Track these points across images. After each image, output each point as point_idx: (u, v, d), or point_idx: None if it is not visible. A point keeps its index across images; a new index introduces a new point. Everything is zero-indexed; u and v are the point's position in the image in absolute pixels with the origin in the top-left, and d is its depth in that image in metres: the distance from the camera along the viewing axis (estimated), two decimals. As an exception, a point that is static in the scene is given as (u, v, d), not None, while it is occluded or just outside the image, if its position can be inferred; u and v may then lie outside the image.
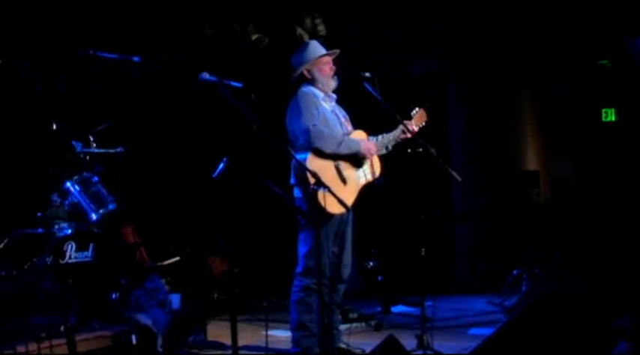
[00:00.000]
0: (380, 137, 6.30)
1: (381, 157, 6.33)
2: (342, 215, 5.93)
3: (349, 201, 5.75)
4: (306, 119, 5.95)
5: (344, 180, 5.96)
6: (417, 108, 6.39)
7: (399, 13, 9.57)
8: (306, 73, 6.21)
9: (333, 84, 6.25)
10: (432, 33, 10.11)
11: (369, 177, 6.19)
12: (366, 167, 6.18)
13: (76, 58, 7.02)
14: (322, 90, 6.23)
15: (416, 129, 6.32)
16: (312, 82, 6.23)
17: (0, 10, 7.00)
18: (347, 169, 6.02)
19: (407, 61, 10.68)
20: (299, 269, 6.05)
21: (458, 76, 10.57)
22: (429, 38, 10.16)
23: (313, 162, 5.77)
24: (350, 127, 6.30)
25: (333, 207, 5.62)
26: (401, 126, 6.26)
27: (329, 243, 6.03)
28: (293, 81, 6.29)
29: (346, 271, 6.25)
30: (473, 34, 10.09)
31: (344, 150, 5.94)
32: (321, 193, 5.45)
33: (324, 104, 6.20)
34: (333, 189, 5.28)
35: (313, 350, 6.05)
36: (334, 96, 6.33)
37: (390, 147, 6.37)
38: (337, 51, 6.27)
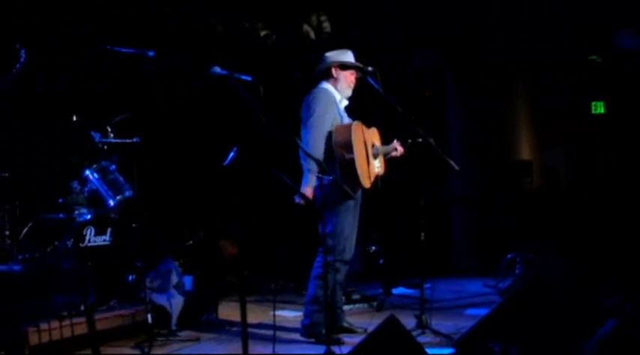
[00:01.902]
0: (381, 147, 6.40)
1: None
2: (356, 197, 6.05)
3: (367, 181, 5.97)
4: (320, 117, 6.05)
5: (369, 162, 6.10)
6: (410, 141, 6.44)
7: (399, 13, 9.55)
8: (334, 71, 6.24)
9: (348, 92, 6.29)
10: (431, 32, 10.10)
11: (379, 171, 6.30)
12: (378, 161, 6.32)
13: (94, 54, 7.01)
14: (339, 93, 6.26)
15: (401, 152, 6.49)
16: (334, 81, 6.26)
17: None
18: (370, 154, 6.17)
19: (407, 60, 10.63)
20: (322, 247, 5.99)
21: (456, 71, 10.53)
22: (428, 38, 10.14)
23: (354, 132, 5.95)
24: None
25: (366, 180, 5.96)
26: (394, 143, 6.45)
27: (348, 225, 6.11)
28: (316, 73, 6.34)
29: (351, 253, 6.27)
30: (471, 33, 10.06)
31: (309, 164, 5.93)
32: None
33: (339, 105, 6.24)
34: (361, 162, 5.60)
35: (322, 325, 6.06)
36: (346, 102, 6.36)
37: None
38: (361, 67, 6.28)
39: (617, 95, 11.66)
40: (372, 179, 6.09)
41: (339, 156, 5.92)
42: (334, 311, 6.19)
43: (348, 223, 6.12)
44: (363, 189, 6.11)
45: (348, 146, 5.90)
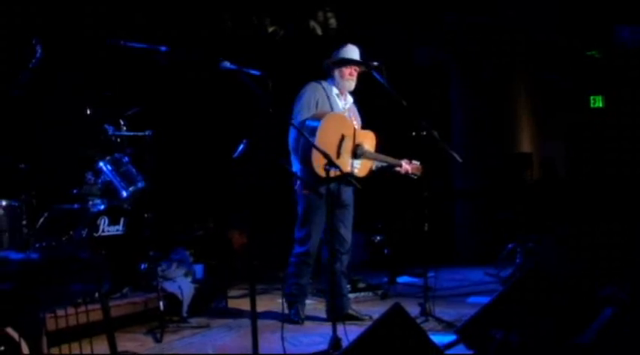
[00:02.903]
0: (369, 152, 6.33)
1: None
2: (329, 191, 5.95)
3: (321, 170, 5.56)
4: (301, 114, 6.12)
5: (339, 153, 6.00)
6: (418, 163, 6.46)
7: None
8: (331, 68, 6.30)
9: (348, 85, 6.31)
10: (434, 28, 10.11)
11: (356, 171, 6.20)
12: (359, 162, 6.20)
13: (108, 50, 7.01)
14: (338, 88, 6.27)
15: (409, 171, 6.43)
16: (332, 78, 6.32)
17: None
18: (346, 150, 6.06)
19: (409, 51, 10.63)
20: (296, 236, 6.32)
21: (459, 66, 10.52)
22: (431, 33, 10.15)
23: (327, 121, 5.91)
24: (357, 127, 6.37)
25: (318, 164, 5.69)
26: (402, 161, 6.42)
27: (316, 219, 6.17)
28: (324, 68, 6.39)
29: (346, 245, 6.32)
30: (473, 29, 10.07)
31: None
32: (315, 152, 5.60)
33: (336, 99, 6.24)
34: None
35: (294, 307, 6.37)
36: (350, 98, 6.36)
37: (375, 167, 6.43)
38: (361, 62, 6.30)
39: (616, 89, 11.64)
40: (337, 173, 5.47)
41: (303, 139, 5.87)
42: (339, 298, 6.23)
43: (315, 214, 6.18)
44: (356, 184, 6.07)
45: (314, 130, 5.91)
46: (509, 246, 8.59)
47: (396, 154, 6.52)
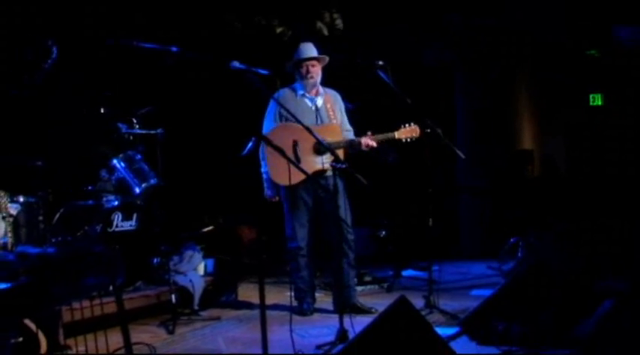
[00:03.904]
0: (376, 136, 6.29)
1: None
2: (309, 192, 6.15)
3: (295, 176, 5.34)
4: (264, 126, 6.35)
5: (298, 158, 6.01)
6: (412, 124, 6.28)
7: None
8: (291, 70, 6.35)
9: (311, 82, 6.30)
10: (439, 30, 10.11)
11: (327, 166, 6.15)
12: (327, 156, 6.10)
13: (121, 50, 7.02)
14: (305, 88, 6.28)
15: (368, 144, 6.25)
16: (297, 80, 6.38)
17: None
18: (305, 151, 6.07)
19: (415, 52, 10.62)
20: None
21: (465, 67, 10.51)
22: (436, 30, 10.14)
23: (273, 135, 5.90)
24: (334, 121, 6.33)
25: (278, 178, 6.07)
26: (362, 138, 6.25)
27: (298, 215, 6.27)
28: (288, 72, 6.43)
29: (343, 239, 6.29)
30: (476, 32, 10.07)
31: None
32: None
33: (303, 100, 6.31)
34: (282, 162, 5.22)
35: (302, 302, 6.40)
36: (323, 93, 6.38)
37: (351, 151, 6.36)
38: (315, 56, 6.31)
39: (614, 88, 11.63)
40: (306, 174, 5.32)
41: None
42: (345, 290, 6.25)
43: (293, 216, 6.28)
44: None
45: (264, 158, 6.27)
46: (511, 240, 8.57)
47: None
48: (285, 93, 6.30)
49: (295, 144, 5.88)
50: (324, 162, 6.14)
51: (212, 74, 8.08)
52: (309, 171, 5.82)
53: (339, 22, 9.37)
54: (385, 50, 8.22)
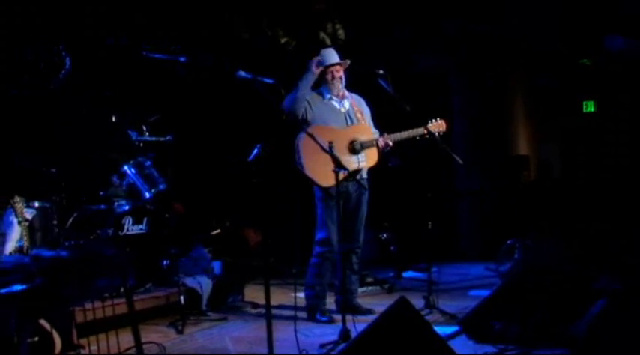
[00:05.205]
0: (398, 134, 6.24)
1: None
2: (341, 191, 5.88)
3: (330, 178, 5.52)
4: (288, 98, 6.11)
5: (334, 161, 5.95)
6: (438, 119, 6.32)
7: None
8: (317, 76, 6.24)
9: (336, 87, 6.25)
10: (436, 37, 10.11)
11: (363, 165, 6.15)
12: (363, 155, 6.12)
13: (131, 60, 7.04)
14: (332, 93, 6.26)
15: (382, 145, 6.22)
16: (323, 85, 6.29)
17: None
18: (340, 151, 5.88)
19: (412, 60, 10.61)
20: (317, 238, 6.21)
21: (461, 74, 10.51)
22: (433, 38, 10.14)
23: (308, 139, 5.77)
24: (363, 122, 6.29)
25: (323, 180, 5.87)
26: (421, 129, 6.22)
27: (334, 216, 6.06)
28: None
29: (357, 243, 6.29)
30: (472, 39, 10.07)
31: None
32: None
33: (331, 102, 6.26)
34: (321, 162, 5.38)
35: (317, 309, 6.23)
36: (350, 96, 6.34)
37: (392, 141, 6.26)
38: (340, 61, 6.26)
39: (606, 95, 11.62)
40: (344, 175, 5.55)
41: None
42: (347, 294, 6.22)
43: (329, 217, 6.11)
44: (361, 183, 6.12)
45: (301, 164, 6.04)
46: (508, 242, 8.56)
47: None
48: (312, 96, 6.22)
49: (331, 145, 5.86)
50: (360, 161, 6.14)
51: (219, 83, 8.10)
52: (350, 169, 5.85)
53: (341, 33, 9.39)
54: (382, 57, 8.23)
